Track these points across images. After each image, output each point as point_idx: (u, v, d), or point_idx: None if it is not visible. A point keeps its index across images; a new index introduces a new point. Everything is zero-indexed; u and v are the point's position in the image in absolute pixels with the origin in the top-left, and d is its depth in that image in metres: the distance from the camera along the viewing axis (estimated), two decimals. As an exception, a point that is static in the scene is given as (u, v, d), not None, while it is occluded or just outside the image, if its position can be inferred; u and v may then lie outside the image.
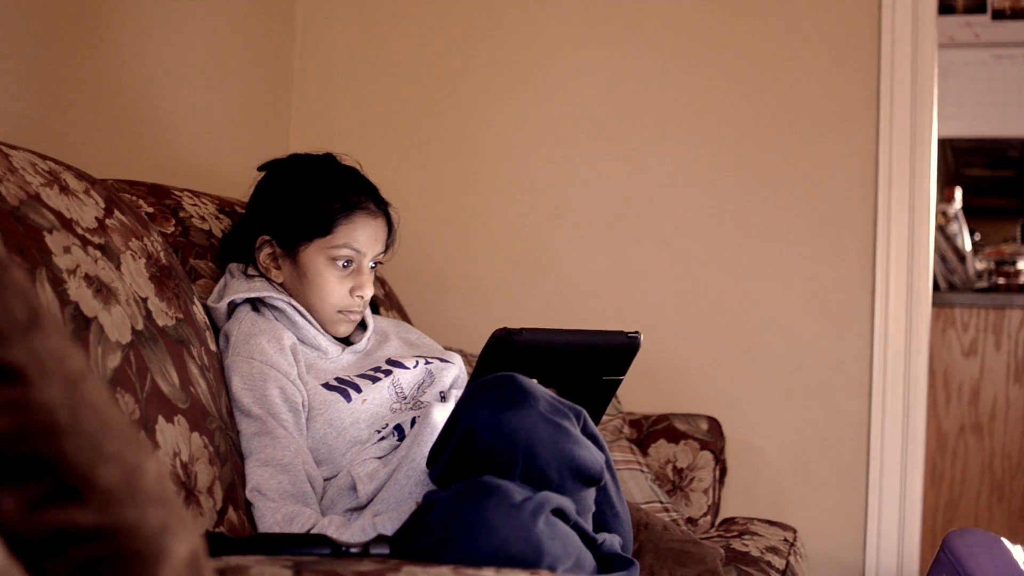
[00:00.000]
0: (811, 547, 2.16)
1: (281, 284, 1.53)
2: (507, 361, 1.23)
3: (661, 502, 1.91)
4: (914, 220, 2.22)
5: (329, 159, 1.59)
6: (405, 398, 1.48)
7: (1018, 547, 1.73)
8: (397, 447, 1.38)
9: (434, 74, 2.46)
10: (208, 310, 1.48)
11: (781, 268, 2.28)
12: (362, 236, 1.51)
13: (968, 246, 3.45)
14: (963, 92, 3.80)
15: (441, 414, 1.32)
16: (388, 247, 1.58)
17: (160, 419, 1.18)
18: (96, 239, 1.21)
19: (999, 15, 3.75)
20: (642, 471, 1.94)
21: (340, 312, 1.51)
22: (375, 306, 1.72)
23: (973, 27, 3.76)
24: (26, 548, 0.56)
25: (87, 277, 1.15)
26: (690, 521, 1.98)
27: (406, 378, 1.50)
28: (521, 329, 1.24)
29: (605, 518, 1.23)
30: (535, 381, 1.18)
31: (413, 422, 1.41)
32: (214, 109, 2.20)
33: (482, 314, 2.37)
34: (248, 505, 1.32)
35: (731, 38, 2.32)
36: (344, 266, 1.50)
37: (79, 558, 0.57)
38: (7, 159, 1.17)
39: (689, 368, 2.31)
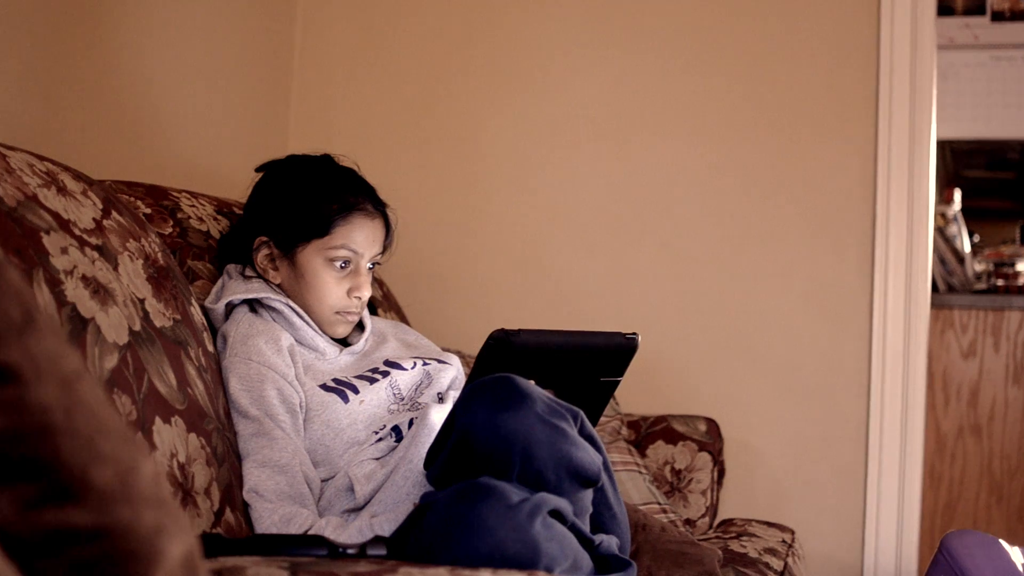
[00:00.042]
0: (809, 548, 2.16)
1: (279, 285, 1.53)
2: (505, 362, 1.23)
3: (659, 503, 1.91)
4: (913, 221, 2.22)
5: (327, 160, 1.59)
6: (403, 399, 1.48)
7: (1016, 549, 1.73)
8: (395, 448, 1.38)
9: (433, 74, 2.46)
10: (206, 311, 1.48)
11: (780, 269, 2.28)
12: (360, 237, 1.51)
13: (967, 248, 3.45)
14: (962, 94, 3.80)
15: (439, 415, 1.32)
16: (386, 248, 1.58)
17: (157, 420, 1.18)
18: (94, 240, 1.21)
19: (998, 17, 3.75)
20: (640, 472, 1.94)
21: (338, 313, 1.51)
22: (373, 307, 1.72)
23: (972, 29, 3.76)
24: (21, 548, 0.56)
25: (84, 278, 1.15)
26: (688, 522, 1.98)
27: (404, 379, 1.50)
28: (519, 330, 1.24)
29: (602, 519, 1.23)
30: (532, 382, 1.18)
31: (411, 423, 1.41)
32: (213, 110, 2.20)
33: (480, 315, 2.38)
34: (245, 506, 1.32)
35: (730, 39, 2.32)
36: (342, 267, 1.50)
37: (74, 558, 0.57)
38: (4, 160, 1.17)
39: (687, 369, 2.31)
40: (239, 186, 1.64)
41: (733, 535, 1.85)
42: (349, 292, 1.51)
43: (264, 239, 1.52)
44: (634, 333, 1.36)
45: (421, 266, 2.38)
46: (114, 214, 1.30)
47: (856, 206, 2.25)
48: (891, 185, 2.22)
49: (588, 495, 1.18)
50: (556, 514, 1.08)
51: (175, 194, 1.61)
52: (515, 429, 1.10)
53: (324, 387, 1.43)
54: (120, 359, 1.15)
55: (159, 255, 1.36)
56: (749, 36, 2.31)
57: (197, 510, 1.22)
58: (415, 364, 1.53)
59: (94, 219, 1.25)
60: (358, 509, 1.32)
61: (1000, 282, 3.31)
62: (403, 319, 2.02)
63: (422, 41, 2.47)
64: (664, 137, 2.35)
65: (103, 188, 1.34)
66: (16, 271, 0.62)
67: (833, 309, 2.25)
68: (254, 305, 1.50)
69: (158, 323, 1.27)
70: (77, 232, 1.19)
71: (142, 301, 1.25)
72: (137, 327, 1.21)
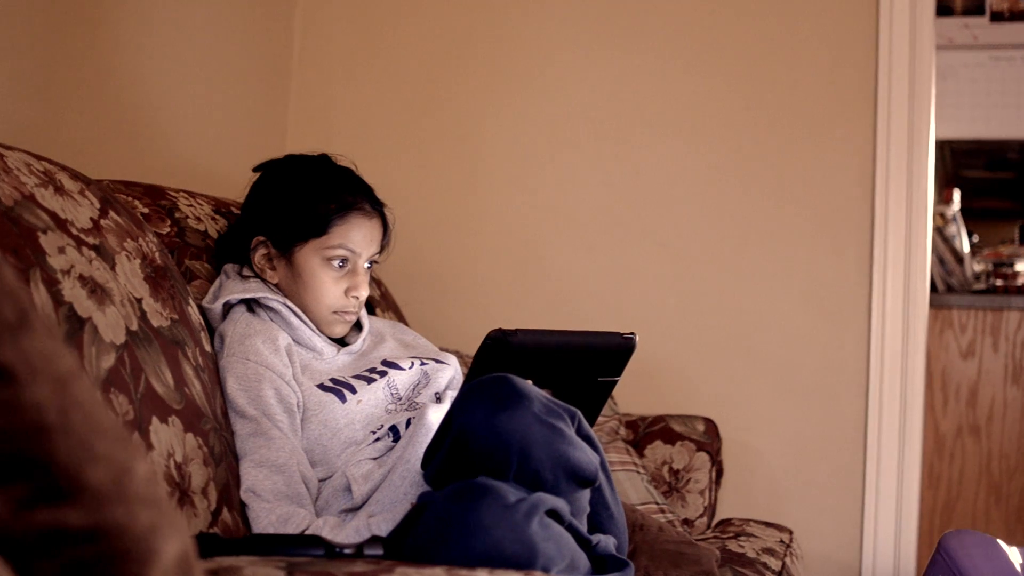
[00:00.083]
0: (807, 548, 2.16)
1: (276, 285, 1.53)
2: (502, 362, 1.23)
3: (657, 503, 1.91)
4: (912, 221, 2.22)
5: (324, 160, 1.59)
6: (400, 399, 1.48)
7: (1014, 549, 1.73)
8: (392, 448, 1.38)
9: (432, 74, 2.46)
10: (203, 311, 1.48)
11: (778, 269, 2.28)
12: (357, 236, 1.51)
13: (966, 248, 3.45)
14: (962, 94, 3.80)
15: (436, 415, 1.32)
16: (383, 247, 1.58)
17: (154, 420, 1.18)
18: (91, 240, 1.21)
19: (998, 17, 3.75)
20: (638, 472, 1.94)
21: (335, 313, 1.51)
22: (371, 307, 1.72)
23: (972, 29, 3.76)
24: (15, 548, 0.56)
25: (81, 278, 1.15)
26: (686, 522, 1.98)
27: (401, 379, 1.50)
28: (516, 330, 1.24)
29: (600, 519, 1.23)
30: (530, 382, 1.18)
31: (408, 423, 1.41)
32: (212, 110, 2.19)
33: (479, 315, 2.37)
34: (242, 506, 1.32)
35: (729, 39, 2.32)
36: (339, 267, 1.50)
37: (68, 558, 0.56)
38: (2, 159, 1.17)
39: (686, 369, 2.31)
40: (238, 186, 1.64)
41: (731, 535, 1.85)
42: (347, 292, 1.51)
43: (262, 239, 1.52)
44: (632, 333, 1.36)
45: (419, 266, 2.38)
46: (112, 214, 1.30)
47: (855, 206, 2.25)
48: (890, 185, 2.22)
49: (585, 495, 1.18)
50: (553, 514, 1.08)
51: (173, 194, 1.61)
52: (512, 429, 1.10)
53: (322, 387, 1.43)
54: (117, 359, 1.15)
55: (156, 255, 1.36)
56: (748, 36, 2.31)
57: (194, 510, 1.21)
58: (413, 364, 1.53)
59: (91, 219, 1.25)
60: (355, 509, 1.32)
61: (999, 282, 3.31)
62: (401, 319, 2.02)
63: (421, 41, 2.47)
64: (663, 137, 2.35)
65: (101, 188, 1.34)
66: (11, 270, 0.61)
67: (832, 309, 2.25)
68: (252, 305, 1.50)
69: (155, 323, 1.27)
70: (74, 232, 1.19)
71: (139, 301, 1.25)
72: (134, 327, 1.21)
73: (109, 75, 1.86)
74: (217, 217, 1.65)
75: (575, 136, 2.39)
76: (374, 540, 1.08)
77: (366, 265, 1.53)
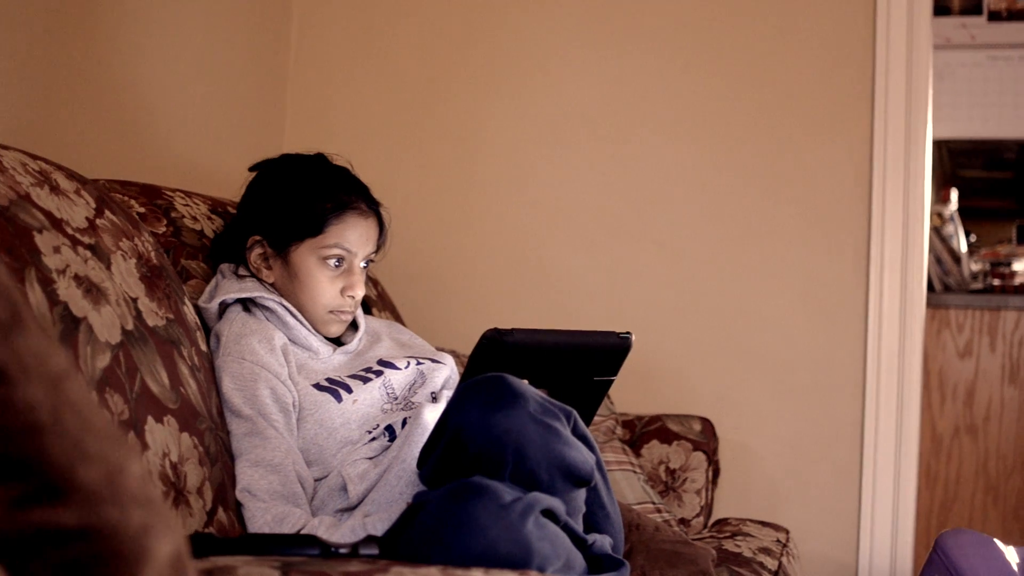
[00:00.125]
0: (804, 548, 2.16)
1: (272, 284, 1.52)
2: (498, 362, 1.23)
3: (653, 503, 1.91)
4: (909, 220, 2.22)
5: (320, 159, 1.58)
6: (396, 399, 1.48)
7: (1011, 548, 1.73)
8: (388, 448, 1.38)
9: (430, 74, 2.46)
10: (199, 310, 1.48)
11: (775, 268, 2.28)
12: (353, 236, 1.50)
13: (963, 247, 3.45)
14: (959, 93, 3.81)
15: (432, 415, 1.32)
16: (379, 247, 1.58)
17: (150, 419, 1.18)
18: (86, 239, 1.21)
19: (995, 16, 3.75)
20: (635, 472, 1.94)
21: (331, 312, 1.51)
22: (367, 306, 1.72)
23: (969, 28, 3.76)
24: (8, 548, 0.56)
25: (77, 277, 1.15)
26: (683, 522, 1.98)
27: (397, 379, 1.50)
28: (512, 329, 1.24)
29: (596, 519, 1.23)
30: (526, 381, 1.18)
31: (404, 423, 1.41)
32: (209, 109, 2.19)
33: (475, 314, 2.37)
34: (238, 505, 1.32)
35: (727, 39, 2.32)
36: (335, 266, 1.50)
37: (61, 558, 0.56)
38: (-3, 158, 1.16)
39: (682, 369, 2.31)
40: (234, 186, 1.64)
41: (727, 535, 1.85)
42: (343, 291, 1.51)
43: (258, 238, 1.52)
44: (628, 332, 1.36)
45: (416, 265, 2.38)
46: (107, 213, 1.30)
47: (852, 205, 2.25)
48: (887, 185, 2.22)
49: (581, 494, 1.18)
50: (549, 513, 1.08)
51: (169, 193, 1.61)
52: (508, 428, 1.10)
53: (317, 386, 1.43)
54: (112, 358, 1.15)
55: (152, 254, 1.36)
56: (746, 36, 2.31)
57: (189, 509, 1.21)
58: (409, 363, 1.53)
59: (87, 218, 1.25)
60: (351, 509, 1.32)
61: (996, 282, 3.31)
62: (398, 318, 2.02)
63: (419, 40, 2.47)
64: (661, 137, 2.35)
65: (96, 187, 1.34)
66: (4, 269, 0.61)
67: (829, 308, 2.25)
68: (248, 304, 1.50)
69: (151, 322, 1.27)
70: (70, 231, 1.19)
71: (135, 300, 1.25)
72: (130, 326, 1.21)
73: (106, 75, 1.86)
74: (213, 217, 1.65)
75: (571, 136, 2.39)
76: (370, 540, 1.07)
77: (362, 264, 1.53)
